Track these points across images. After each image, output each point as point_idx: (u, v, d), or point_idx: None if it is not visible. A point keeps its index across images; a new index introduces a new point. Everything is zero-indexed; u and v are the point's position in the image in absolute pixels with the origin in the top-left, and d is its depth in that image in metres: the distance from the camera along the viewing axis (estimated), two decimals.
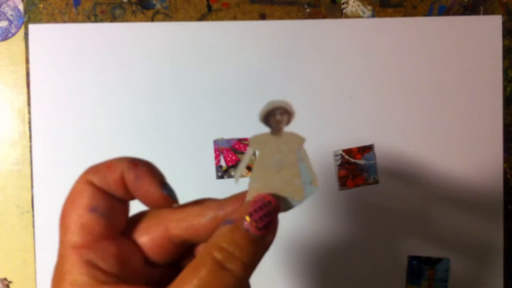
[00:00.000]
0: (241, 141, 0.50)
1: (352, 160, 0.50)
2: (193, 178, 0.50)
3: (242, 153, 0.50)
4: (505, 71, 0.51)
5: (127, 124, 0.50)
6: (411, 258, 0.51)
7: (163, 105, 0.50)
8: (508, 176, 0.51)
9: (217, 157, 0.50)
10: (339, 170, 0.51)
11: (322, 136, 0.50)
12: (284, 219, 0.50)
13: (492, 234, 0.51)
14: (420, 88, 0.51)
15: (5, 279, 0.51)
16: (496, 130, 0.51)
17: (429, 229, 0.51)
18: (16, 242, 0.50)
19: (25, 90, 0.50)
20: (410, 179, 0.51)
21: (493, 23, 0.51)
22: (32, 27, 0.50)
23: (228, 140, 0.50)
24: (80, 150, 0.50)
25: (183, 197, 0.51)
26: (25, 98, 0.50)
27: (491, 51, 0.51)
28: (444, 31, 0.51)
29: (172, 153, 0.50)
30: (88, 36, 0.50)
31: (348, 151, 0.50)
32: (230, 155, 0.50)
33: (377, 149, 0.51)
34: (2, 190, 0.50)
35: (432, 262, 0.51)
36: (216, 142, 0.50)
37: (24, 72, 0.50)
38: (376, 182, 0.51)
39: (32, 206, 0.50)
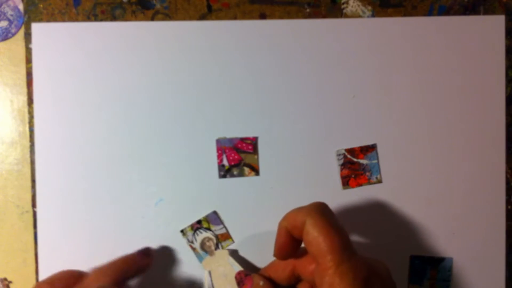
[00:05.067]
0: (243, 140, 0.50)
1: (355, 159, 0.50)
2: (195, 177, 0.50)
3: (245, 152, 0.50)
4: (506, 71, 0.51)
5: (128, 123, 0.50)
6: (413, 258, 0.51)
7: (165, 105, 0.50)
8: (508, 176, 0.51)
9: (219, 156, 0.50)
10: (341, 169, 0.50)
11: (324, 136, 0.50)
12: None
13: (494, 233, 0.51)
14: (422, 88, 0.51)
15: (5, 279, 0.50)
16: (499, 130, 0.51)
17: (431, 228, 0.51)
18: (16, 242, 0.50)
19: (25, 90, 0.50)
20: (413, 179, 0.51)
21: (496, 23, 0.51)
22: (35, 26, 0.49)
23: (231, 139, 0.50)
24: (82, 149, 0.50)
25: (185, 196, 0.51)
26: (25, 98, 0.50)
27: (494, 51, 0.51)
28: (445, 31, 0.51)
29: (174, 152, 0.50)
30: (90, 35, 0.50)
31: (350, 151, 0.50)
32: (232, 154, 0.50)
33: (379, 149, 0.51)
34: (2, 190, 0.50)
35: (435, 261, 0.51)
36: (218, 141, 0.50)
37: (24, 72, 0.50)
38: (379, 181, 0.51)
39: (33, 206, 0.50)
